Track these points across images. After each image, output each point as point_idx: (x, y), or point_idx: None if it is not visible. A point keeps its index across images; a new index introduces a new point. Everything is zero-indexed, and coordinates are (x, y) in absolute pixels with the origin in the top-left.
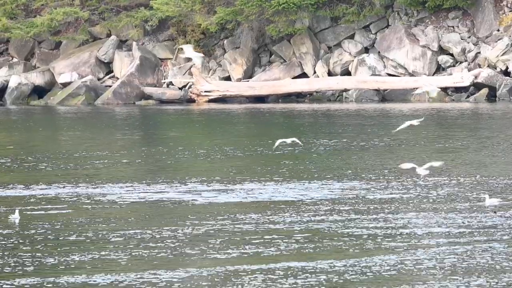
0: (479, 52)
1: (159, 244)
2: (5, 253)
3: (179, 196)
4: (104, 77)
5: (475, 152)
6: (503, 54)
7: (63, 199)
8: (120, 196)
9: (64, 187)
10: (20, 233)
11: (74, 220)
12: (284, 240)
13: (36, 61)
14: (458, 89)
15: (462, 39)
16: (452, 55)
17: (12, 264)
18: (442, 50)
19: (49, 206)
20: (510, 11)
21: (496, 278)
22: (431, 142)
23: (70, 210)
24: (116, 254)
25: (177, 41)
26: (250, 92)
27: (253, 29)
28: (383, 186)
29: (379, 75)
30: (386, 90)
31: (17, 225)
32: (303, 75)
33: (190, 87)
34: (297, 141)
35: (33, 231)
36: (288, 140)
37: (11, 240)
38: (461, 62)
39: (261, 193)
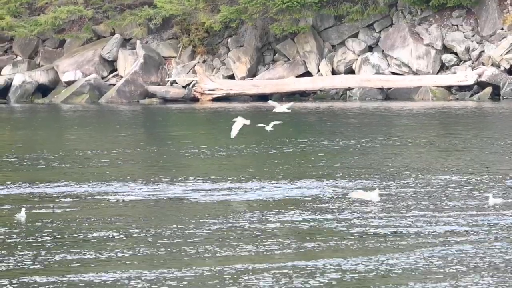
0: (483, 51)
1: (165, 243)
2: (12, 251)
3: (184, 195)
4: (108, 75)
5: (479, 151)
6: (507, 53)
7: (68, 197)
8: (125, 194)
9: (69, 185)
10: (26, 231)
11: (80, 219)
12: (291, 239)
13: (40, 59)
14: (462, 88)
15: (466, 37)
16: (456, 53)
17: (20, 262)
18: (446, 49)
19: (54, 204)
20: None
21: (505, 277)
22: (435, 141)
23: (75, 209)
24: (123, 252)
25: (181, 39)
26: (253, 91)
27: (257, 28)
28: (389, 185)
29: (383, 73)
30: (390, 88)
31: (24, 223)
32: (307, 73)
33: (194, 85)
34: (277, 122)
35: (39, 230)
36: (272, 124)
37: (18, 238)
38: (465, 61)
39: (266, 192)
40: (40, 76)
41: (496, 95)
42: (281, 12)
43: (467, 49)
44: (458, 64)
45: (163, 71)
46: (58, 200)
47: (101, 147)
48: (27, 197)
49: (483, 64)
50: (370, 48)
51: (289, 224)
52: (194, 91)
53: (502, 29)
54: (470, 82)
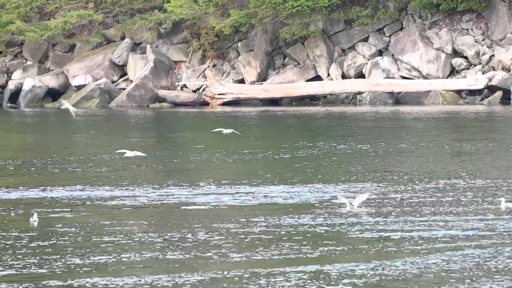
0: (493, 55)
1: (175, 247)
2: (26, 255)
3: (197, 199)
4: (118, 79)
5: (490, 155)
6: None
7: (79, 201)
8: (135, 198)
9: (81, 189)
10: (39, 236)
11: (91, 223)
12: (302, 243)
13: (50, 63)
14: (472, 92)
15: (476, 41)
16: (466, 57)
17: (32, 266)
18: (456, 53)
19: (65, 209)
20: None
21: None
22: (447, 145)
23: (87, 213)
24: (134, 257)
25: (191, 43)
26: (263, 95)
27: (267, 32)
28: (400, 189)
29: (393, 77)
30: (400, 93)
31: (36, 228)
32: (317, 77)
33: (204, 89)
34: (236, 132)
35: (51, 234)
36: (226, 131)
37: (31, 243)
38: (475, 65)
39: (276, 196)
40: (50, 81)
41: (506, 99)
42: (291, 16)
43: (477, 53)
44: (468, 68)
45: (173, 75)
46: (69, 204)
47: (112, 151)
48: (39, 201)
49: (493, 68)
50: (380, 52)
51: (303, 228)
52: (204, 95)
53: None
54: (480, 86)
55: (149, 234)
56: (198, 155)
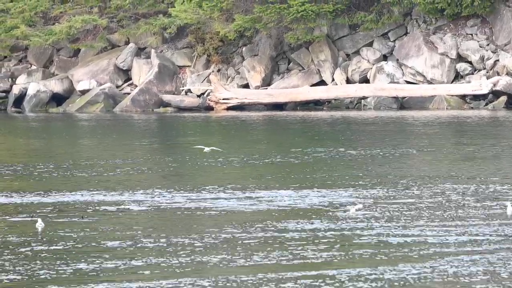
0: (498, 60)
1: (182, 252)
2: (32, 261)
3: (203, 203)
4: (122, 84)
5: (496, 159)
6: None
7: (84, 206)
8: (141, 203)
9: (85, 194)
10: (44, 241)
11: (96, 228)
12: (310, 248)
13: (54, 68)
14: (476, 97)
15: (480, 46)
16: (470, 62)
17: (36, 272)
18: (460, 58)
19: (71, 214)
20: None
21: None
22: (452, 150)
23: (91, 218)
24: (140, 262)
25: (196, 48)
26: (268, 100)
27: (271, 37)
28: (407, 194)
29: (397, 82)
30: (405, 97)
31: (41, 233)
32: (322, 82)
33: (208, 94)
34: (217, 149)
35: (56, 239)
36: (207, 149)
37: (36, 248)
38: (479, 70)
39: (282, 201)
40: (55, 85)
41: (511, 104)
42: (296, 21)
43: (482, 58)
44: (472, 73)
45: (177, 80)
46: (74, 209)
47: (117, 156)
48: (43, 206)
49: (497, 73)
50: (384, 57)
51: (310, 233)
52: (209, 100)
53: None
54: (484, 91)
55: (154, 238)
56: (201, 159)
